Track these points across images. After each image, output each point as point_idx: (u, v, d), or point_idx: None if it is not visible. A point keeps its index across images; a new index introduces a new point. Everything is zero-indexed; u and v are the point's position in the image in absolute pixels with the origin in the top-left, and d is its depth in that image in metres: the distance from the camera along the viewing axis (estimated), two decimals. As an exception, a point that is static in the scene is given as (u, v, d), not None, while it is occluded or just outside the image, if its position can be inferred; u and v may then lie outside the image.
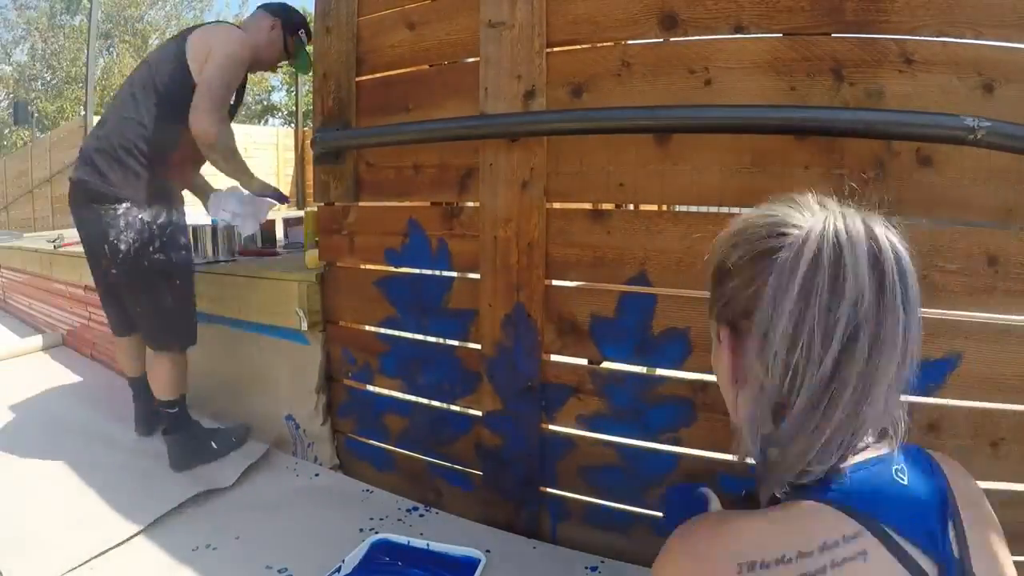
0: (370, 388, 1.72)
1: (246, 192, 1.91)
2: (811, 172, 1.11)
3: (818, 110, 1.07)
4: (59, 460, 1.82)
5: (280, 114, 15.99)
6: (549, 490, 1.43)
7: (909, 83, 1.04)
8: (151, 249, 1.67)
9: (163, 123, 1.67)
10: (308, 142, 2.04)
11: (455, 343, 1.52)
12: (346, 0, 1.61)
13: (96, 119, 6.29)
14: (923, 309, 1.08)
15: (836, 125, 1.05)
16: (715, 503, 0.86)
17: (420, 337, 1.58)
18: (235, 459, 1.78)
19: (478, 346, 1.46)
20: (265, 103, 16.02)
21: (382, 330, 1.64)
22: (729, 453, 1.19)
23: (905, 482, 0.52)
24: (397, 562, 1.33)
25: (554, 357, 1.38)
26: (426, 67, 1.52)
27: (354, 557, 1.31)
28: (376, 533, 1.40)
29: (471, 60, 1.42)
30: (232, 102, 1.81)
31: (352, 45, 1.61)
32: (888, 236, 0.54)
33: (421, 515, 1.53)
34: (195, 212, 2.70)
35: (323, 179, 1.70)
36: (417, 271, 1.57)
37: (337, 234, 1.69)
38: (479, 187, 1.41)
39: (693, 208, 1.33)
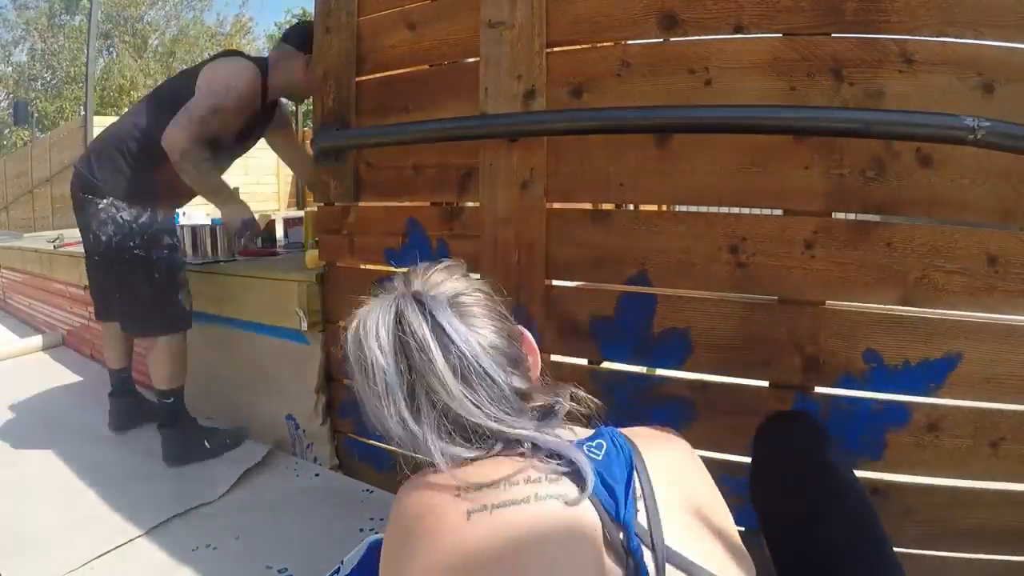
0: (370, 388, 1.71)
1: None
2: (811, 172, 1.11)
3: (818, 110, 1.07)
4: (59, 460, 1.82)
5: (280, 114, 16.00)
6: (549, 490, 1.43)
7: (909, 83, 1.04)
8: (131, 245, 1.75)
9: (156, 131, 1.72)
10: (308, 142, 2.05)
11: (455, 343, 1.52)
12: (346, 0, 1.61)
13: (96, 119, 6.30)
14: (923, 309, 1.09)
15: (836, 125, 1.05)
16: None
17: (420, 337, 1.58)
18: (237, 461, 1.78)
19: (478, 346, 1.45)
20: (265, 103, 16.03)
21: (382, 330, 1.64)
22: (727, 453, 1.20)
23: (599, 456, 0.61)
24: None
25: (554, 357, 1.38)
26: (426, 67, 1.52)
27: (353, 557, 1.31)
28: (376, 533, 1.40)
29: (471, 60, 1.42)
30: (236, 139, 1.94)
31: (352, 45, 1.61)
32: (415, 310, 0.65)
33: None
34: (195, 212, 2.71)
35: (323, 179, 1.70)
36: (417, 271, 1.57)
37: (337, 234, 1.69)
38: (479, 187, 1.41)
39: (693, 208, 1.33)
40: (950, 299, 1.05)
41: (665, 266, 1.23)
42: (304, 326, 1.72)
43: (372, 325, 0.65)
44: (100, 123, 5.63)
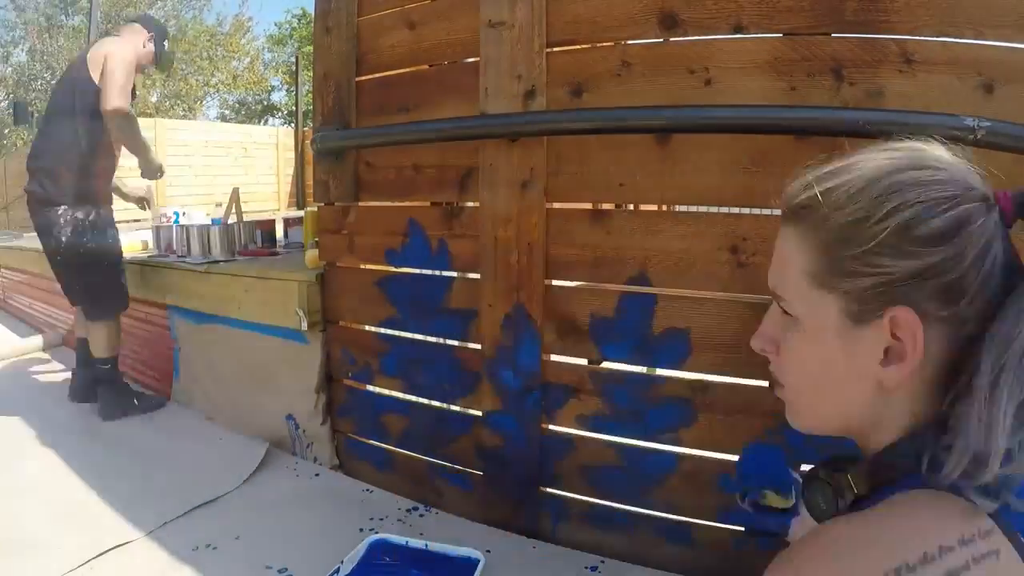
0: (370, 388, 1.72)
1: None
2: (811, 172, 1.10)
3: (818, 110, 1.07)
4: (58, 460, 1.82)
5: (280, 114, 15.97)
6: (549, 490, 1.43)
7: (909, 83, 1.04)
8: (85, 240, 2.14)
9: (87, 138, 2.12)
10: (308, 142, 2.08)
11: (455, 343, 1.52)
12: (346, 0, 1.60)
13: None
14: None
15: (836, 125, 1.05)
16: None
17: (420, 337, 1.58)
18: (239, 463, 1.78)
19: (478, 346, 1.46)
20: (265, 103, 16.01)
21: (382, 330, 1.64)
22: (727, 453, 1.20)
23: None
24: (396, 562, 1.33)
25: (554, 357, 1.38)
26: (426, 67, 1.52)
27: (353, 557, 1.31)
28: (376, 533, 1.40)
29: (471, 60, 1.42)
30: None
31: (352, 45, 1.61)
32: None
33: (421, 515, 1.53)
34: (195, 213, 2.72)
35: (323, 179, 1.70)
36: (417, 271, 1.57)
37: (337, 234, 1.69)
38: (479, 187, 1.41)
39: (693, 208, 1.33)
40: (950, 299, 1.05)
41: (665, 266, 1.23)
42: (304, 326, 1.72)
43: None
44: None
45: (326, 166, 1.68)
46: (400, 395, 1.64)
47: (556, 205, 1.35)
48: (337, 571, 1.26)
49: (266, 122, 15.67)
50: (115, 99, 2.07)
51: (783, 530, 0.88)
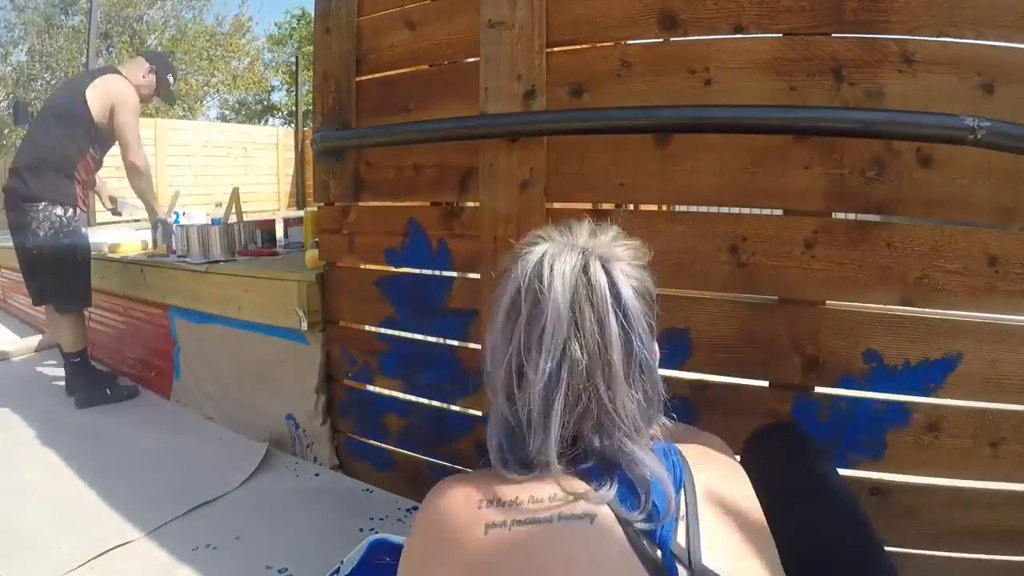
0: (370, 388, 1.72)
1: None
2: (811, 172, 1.11)
3: (818, 110, 1.07)
4: (59, 460, 1.82)
5: (280, 114, 15.95)
6: (549, 490, 1.43)
7: (909, 83, 1.04)
8: (61, 236, 2.25)
9: (73, 148, 2.29)
10: (308, 142, 2.10)
11: (455, 343, 1.52)
12: (346, 0, 1.60)
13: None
14: (923, 309, 1.09)
15: (836, 125, 1.05)
16: None
17: (420, 337, 1.58)
18: (239, 463, 1.78)
19: (478, 346, 1.46)
20: (265, 103, 15.99)
21: (382, 330, 1.64)
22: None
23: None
24: (396, 562, 1.32)
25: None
26: (426, 67, 1.52)
27: (353, 557, 1.31)
28: (376, 533, 1.40)
29: (471, 60, 1.42)
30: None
31: (352, 45, 1.61)
32: (600, 263, 0.62)
33: (421, 515, 1.53)
34: (196, 213, 2.72)
35: (323, 179, 1.70)
36: (417, 271, 1.57)
37: (337, 234, 1.69)
38: (479, 187, 1.41)
39: (693, 208, 1.33)
40: (950, 299, 1.05)
41: (665, 266, 1.22)
42: (304, 326, 1.72)
43: (559, 267, 0.60)
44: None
45: (326, 166, 1.68)
46: (400, 395, 1.64)
47: (556, 205, 1.35)
48: (337, 571, 1.26)
49: (266, 122, 15.67)
50: (136, 153, 2.38)
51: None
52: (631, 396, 0.61)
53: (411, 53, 1.52)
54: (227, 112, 15.62)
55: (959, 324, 1.05)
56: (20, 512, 1.53)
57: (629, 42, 1.25)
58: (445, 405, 1.56)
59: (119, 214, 2.86)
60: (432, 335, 1.56)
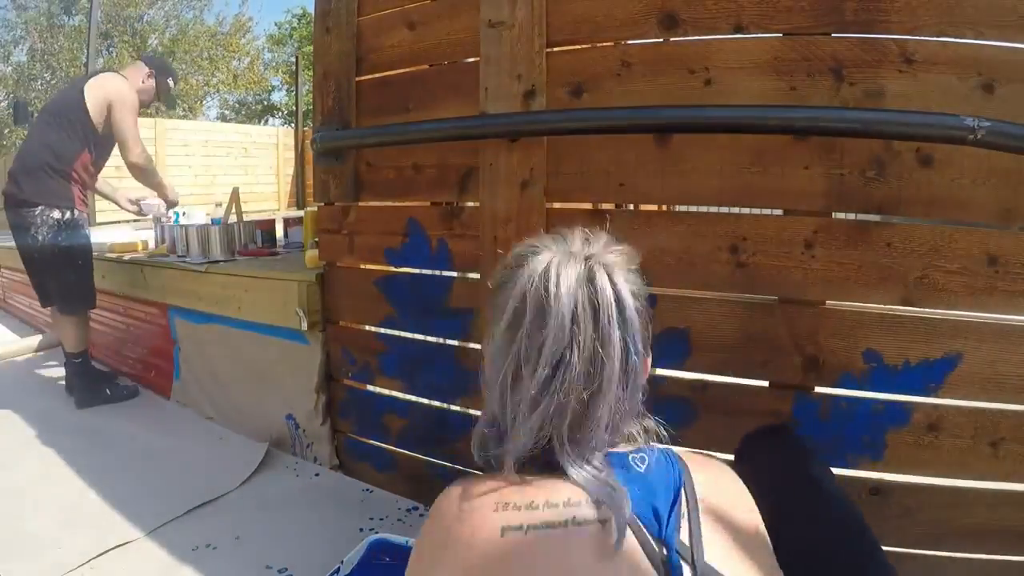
0: (370, 388, 1.72)
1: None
2: (811, 172, 1.11)
3: (818, 110, 1.07)
4: (59, 460, 1.82)
5: (280, 114, 15.95)
6: (549, 490, 1.43)
7: (909, 83, 1.04)
8: (60, 239, 2.25)
9: (69, 147, 2.27)
10: (308, 142, 2.10)
11: (455, 343, 1.52)
12: (346, 0, 1.60)
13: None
14: (923, 309, 1.09)
15: (836, 125, 1.05)
16: None
17: (420, 337, 1.58)
18: (239, 463, 1.78)
19: (478, 346, 1.46)
20: (265, 103, 15.99)
21: (382, 330, 1.64)
22: (727, 454, 1.20)
23: (642, 469, 0.62)
24: (396, 562, 1.32)
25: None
26: (426, 67, 1.52)
27: (353, 557, 1.31)
28: (376, 533, 1.40)
29: (471, 60, 1.42)
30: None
31: (352, 45, 1.61)
32: (604, 271, 0.63)
33: (421, 515, 1.53)
34: (196, 212, 2.72)
35: (323, 179, 1.70)
36: (417, 271, 1.57)
37: (337, 234, 1.69)
38: (479, 187, 1.41)
39: (693, 208, 1.33)
40: (950, 299, 1.05)
41: (665, 266, 1.23)
42: (304, 326, 1.72)
43: (565, 276, 0.62)
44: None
45: (326, 166, 1.68)
46: (400, 395, 1.64)
47: (556, 205, 1.35)
48: (337, 571, 1.26)
49: (266, 122, 15.67)
50: (134, 151, 2.35)
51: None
52: (619, 402, 0.63)
53: (411, 53, 1.52)
54: (227, 112, 15.62)
55: (959, 324, 1.05)
56: (20, 512, 1.53)
57: (629, 42, 1.25)
58: (445, 405, 1.56)
59: (145, 215, 2.78)
60: (432, 335, 1.56)
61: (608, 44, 1.28)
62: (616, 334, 0.61)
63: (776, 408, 1.17)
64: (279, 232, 2.68)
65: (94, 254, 2.42)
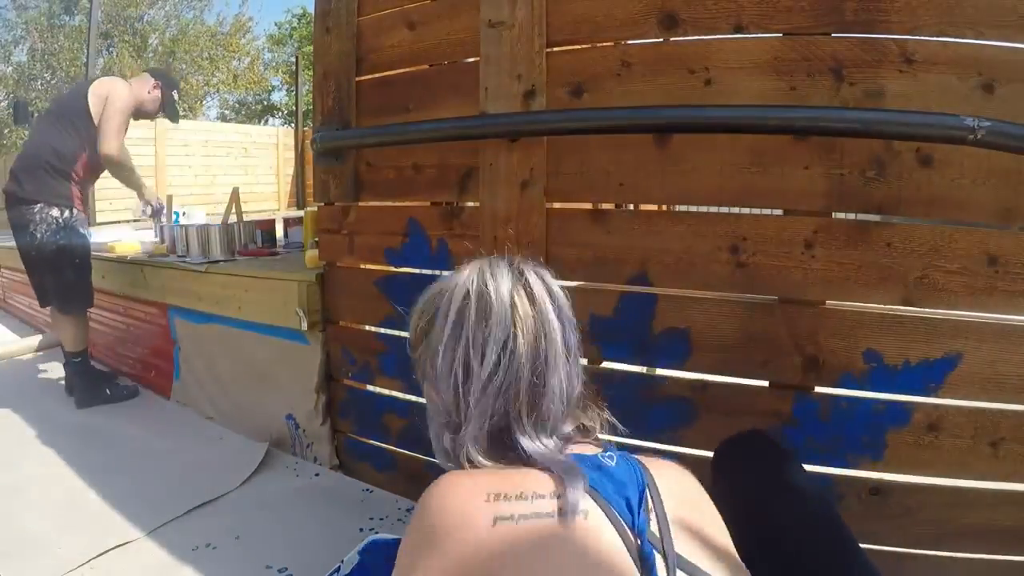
0: (370, 388, 1.72)
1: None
2: (811, 172, 1.11)
3: (818, 110, 1.07)
4: (59, 460, 1.82)
5: (280, 114, 15.95)
6: (549, 490, 1.43)
7: (909, 83, 1.04)
8: (59, 238, 2.26)
9: (70, 146, 2.29)
10: (308, 142, 2.09)
11: (455, 343, 1.51)
12: (346, 0, 1.60)
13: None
14: (923, 309, 1.09)
15: (836, 125, 1.05)
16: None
17: (420, 337, 1.58)
18: (239, 463, 1.78)
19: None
20: (265, 103, 15.98)
21: (382, 330, 1.64)
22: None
23: (613, 464, 0.66)
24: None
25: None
26: (426, 67, 1.52)
27: (353, 557, 1.31)
28: (376, 533, 1.40)
29: (471, 60, 1.42)
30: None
31: (352, 45, 1.61)
32: (532, 271, 0.72)
33: (421, 515, 1.53)
34: (196, 212, 2.73)
35: (323, 179, 1.70)
36: (417, 271, 1.57)
37: (337, 234, 1.69)
38: (479, 187, 1.41)
39: (693, 208, 1.33)
40: (950, 299, 1.05)
41: (665, 266, 1.23)
42: (304, 326, 1.72)
43: (499, 273, 0.70)
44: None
45: (326, 166, 1.68)
46: (400, 395, 1.64)
47: (556, 205, 1.35)
48: (337, 571, 1.26)
49: (266, 122, 15.66)
50: (110, 143, 2.30)
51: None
52: (568, 377, 0.70)
53: (411, 53, 1.52)
54: (227, 112, 15.62)
55: (959, 324, 1.05)
56: (20, 512, 1.53)
57: (629, 42, 1.25)
58: (445, 405, 1.55)
59: (154, 216, 2.79)
60: (432, 335, 1.55)
61: (608, 44, 1.28)
62: (552, 315, 0.69)
63: (776, 408, 1.17)
64: (279, 232, 2.69)
65: (93, 254, 2.42)
